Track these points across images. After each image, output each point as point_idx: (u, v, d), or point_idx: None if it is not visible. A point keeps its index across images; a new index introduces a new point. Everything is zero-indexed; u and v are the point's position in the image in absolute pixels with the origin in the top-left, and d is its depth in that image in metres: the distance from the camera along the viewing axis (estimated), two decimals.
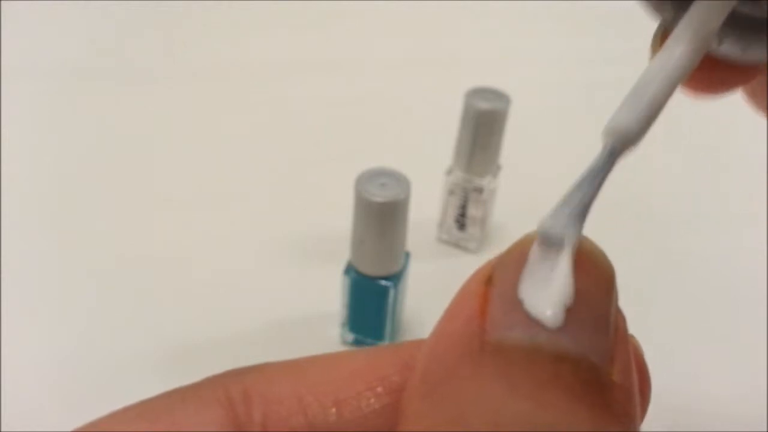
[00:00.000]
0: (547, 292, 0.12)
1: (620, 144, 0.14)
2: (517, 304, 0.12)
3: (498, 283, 0.13)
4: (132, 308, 0.38)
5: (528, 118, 0.46)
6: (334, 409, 0.14)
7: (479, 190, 0.40)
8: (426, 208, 0.42)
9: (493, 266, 0.13)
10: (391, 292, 0.34)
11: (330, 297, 0.36)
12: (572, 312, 0.12)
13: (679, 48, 0.15)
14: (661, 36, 0.18)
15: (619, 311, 0.13)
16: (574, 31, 0.66)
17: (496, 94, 0.38)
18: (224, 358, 0.35)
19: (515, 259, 0.13)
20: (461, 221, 0.42)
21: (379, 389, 0.14)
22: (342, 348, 0.37)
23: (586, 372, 0.12)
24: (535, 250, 0.13)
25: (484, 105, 0.37)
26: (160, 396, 0.14)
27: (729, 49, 0.17)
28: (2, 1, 0.60)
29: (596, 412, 0.11)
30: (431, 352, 0.13)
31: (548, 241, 0.13)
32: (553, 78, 0.59)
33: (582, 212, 0.13)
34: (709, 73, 0.16)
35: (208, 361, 0.36)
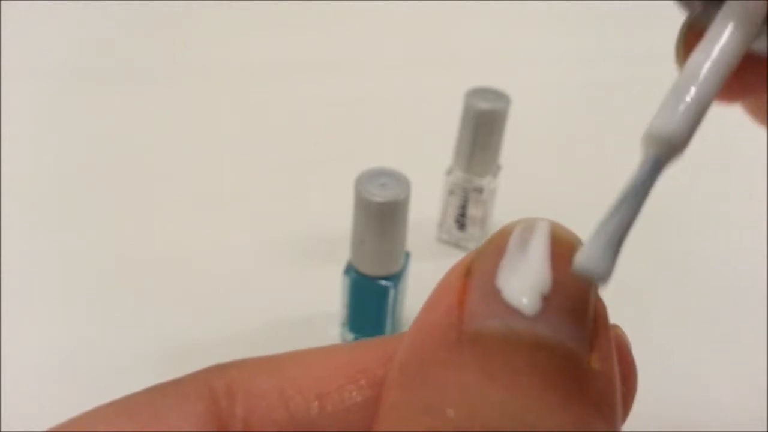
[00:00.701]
0: (523, 281, 0.12)
1: (666, 153, 0.12)
2: (494, 294, 0.12)
3: (476, 273, 0.13)
4: (132, 308, 0.38)
5: (528, 118, 0.46)
6: (316, 403, 0.14)
7: (479, 190, 0.40)
8: (426, 208, 0.42)
9: (471, 259, 0.13)
10: (391, 292, 0.34)
11: (330, 297, 0.36)
12: (549, 300, 0.12)
13: (725, 37, 0.13)
14: (687, 31, 0.17)
15: (599, 299, 0.13)
16: (574, 31, 0.66)
17: (496, 94, 0.38)
18: (224, 358, 0.35)
19: (493, 250, 0.13)
20: (461, 221, 0.42)
21: (362, 382, 0.14)
22: None
23: (563, 359, 0.12)
24: (512, 241, 0.13)
25: (484, 105, 0.37)
26: (141, 392, 0.14)
27: (763, 46, 0.15)
28: (2, 1, 0.60)
29: (572, 399, 0.11)
30: (409, 343, 0.13)
31: (586, 278, 0.12)
32: (553, 78, 0.59)
33: (620, 240, 0.12)
34: (742, 74, 0.15)
35: (208, 361, 0.35)
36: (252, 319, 0.38)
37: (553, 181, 0.49)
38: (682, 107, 0.13)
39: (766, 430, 0.34)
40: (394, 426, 0.12)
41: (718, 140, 0.53)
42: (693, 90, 0.13)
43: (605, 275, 0.12)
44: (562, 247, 0.13)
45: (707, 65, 0.13)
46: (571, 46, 0.64)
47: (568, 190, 0.48)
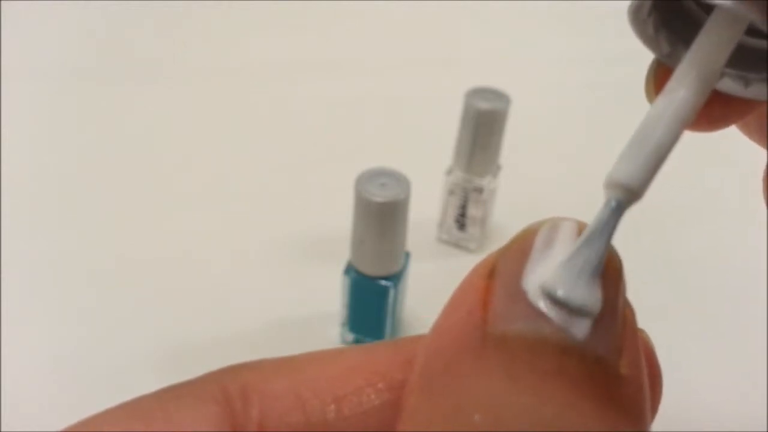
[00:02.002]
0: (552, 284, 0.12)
1: (626, 199, 0.13)
2: (521, 295, 0.12)
3: (501, 274, 0.13)
4: (132, 308, 0.38)
5: (528, 118, 0.46)
6: (333, 406, 0.14)
7: (479, 190, 0.40)
8: (426, 208, 0.42)
9: (495, 259, 0.13)
10: (391, 292, 0.34)
11: (330, 297, 0.36)
12: None
13: (683, 90, 0.14)
14: (656, 70, 0.17)
15: (627, 303, 0.13)
16: (574, 31, 0.66)
17: (496, 94, 0.38)
18: (224, 358, 0.35)
19: (518, 251, 0.13)
20: (461, 221, 0.42)
21: (380, 385, 0.14)
22: None
23: (593, 364, 0.11)
24: (538, 241, 0.13)
25: (484, 105, 0.37)
26: (154, 393, 0.14)
27: (730, 85, 0.16)
28: (2, 1, 0.60)
29: (602, 406, 0.11)
30: (431, 346, 0.13)
31: (567, 309, 0.12)
32: (553, 78, 0.59)
33: (595, 273, 0.13)
34: (708, 109, 0.15)
35: (208, 361, 0.35)
36: (252, 319, 0.38)
37: (553, 181, 0.49)
38: (641, 157, 0.13)
39: (766, 430, 0.34)
40: (416, 429, 0.12)
41: (719, 140, 0.53)
42: (652, 141, 0.13)
43: (594, 307, 0.12)
44: None
45: (665, 117, 0.14)
46: (571, 46, 0.64)
47: (568, 190, 0.48)
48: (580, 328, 0.12)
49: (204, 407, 0.13)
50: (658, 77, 0.17)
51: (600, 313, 0.12)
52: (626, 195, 0.13)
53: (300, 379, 0.14)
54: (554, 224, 0.13)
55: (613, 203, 0.13)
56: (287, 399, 0.14)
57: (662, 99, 0.14)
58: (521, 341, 0.12)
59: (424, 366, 0.13)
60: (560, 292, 0.12)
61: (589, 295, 0.12)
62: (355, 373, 0.14)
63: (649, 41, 0.17)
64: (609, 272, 0.13)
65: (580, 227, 0.13)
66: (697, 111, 0.14)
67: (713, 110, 0.16)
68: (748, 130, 0.19)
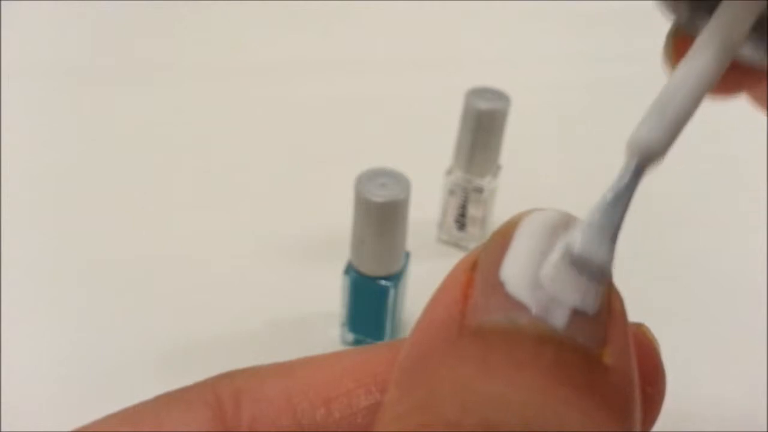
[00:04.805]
0: (530, 274, 0.12)
1: (646, 160, 0.13)
2: (498, 287, 0.12)
3: (480, 266, 0.13)
4: (131, 308, 0.38)
5: (528, 118, 0.46)
6: (323, 408, 0.14)
7: (479, 190, 0.40)
8: (426, 208, 0.42)
9: (478, 253, 0.13)
10: (391, 292, 0.34)
11: (330, 297, 0.36)
12: None
13: (706, 56, 0.14)
14: (674, 36, 0.17)
15: (615, 292, 0.13)
16: (574, 31, 0.66)
17: (496, 94, 0.38)
18: (224, 358, 0.35)
19: (498, 243, 0.13)
20: (461, 221, 0.42)
21: (370, 387, 0.14)
22: (342, 348, 0.37)
23: (570, 353, 0.11)
24: (517, 233, 0.13)
25: (484, 105, 0.37)
26: (147, 400, 0.14)
27: (751, 53, 0.16)
28: (2, 1, 0.60)
29: (579, 393, 0.11)
30: (410, 341, 0.13)
31: (587, 270, 0.12)
32: (553, 78, 0.59)
33: (613, 237, 0.13)
34: (726, 75, 0.15)
35: (208, 361, 0.36)
36: (252, 319, 0.38)
37: (553, 181, 0.49)
38: (662, 120, 0.14)
39: (766, 430, 0.34)
40: (388, 424, 0.11)
41: (719, 139, 0.53)
42: (674, 105, 0.14)
43: (605, 268, 0.12)
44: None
45: (688, 82, 0.14)
46: (571, 46, 0.64)
47: (568, 190, 0.48)
48: (559, 318, 0.12)
49: (194, 410, 0.14)
50: (676, 45, 0.17)
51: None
52: (647, 157, 0.13)
53: (292, 383, 0.14)
54: (534, 216, 0.13)
55: (634, 165, 0.13)
56: (278, 402, 0.14)
57: (684, 65, 0.14)
58: (497, 332, 0.11)
59: (402, 360, 0.13)
60: (577, 250, 0.12)
61: (607, 259, 0.12)
62: (346, 375, 0.14)
63: (669, 7, 0.17)
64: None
65: (562, 218, 0.13)
66: (719, 76, 0.14)
67: (729, 75, 0.16)
68: (761, 102, 0.19)
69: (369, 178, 0.31)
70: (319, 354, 0.15)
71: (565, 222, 0.13)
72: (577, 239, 0.12)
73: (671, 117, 0.14)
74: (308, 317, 0.38)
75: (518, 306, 0.12)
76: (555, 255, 0.12)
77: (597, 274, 0.12)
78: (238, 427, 0.14)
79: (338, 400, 0.14)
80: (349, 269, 0.34)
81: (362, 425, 0.14)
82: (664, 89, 0.14)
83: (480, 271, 0.12)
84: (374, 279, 0.33)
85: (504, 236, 0.13)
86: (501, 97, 0.38)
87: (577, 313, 0.12)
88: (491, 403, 0.11)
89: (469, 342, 0.11)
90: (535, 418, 0.10)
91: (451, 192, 0.41)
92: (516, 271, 0.12)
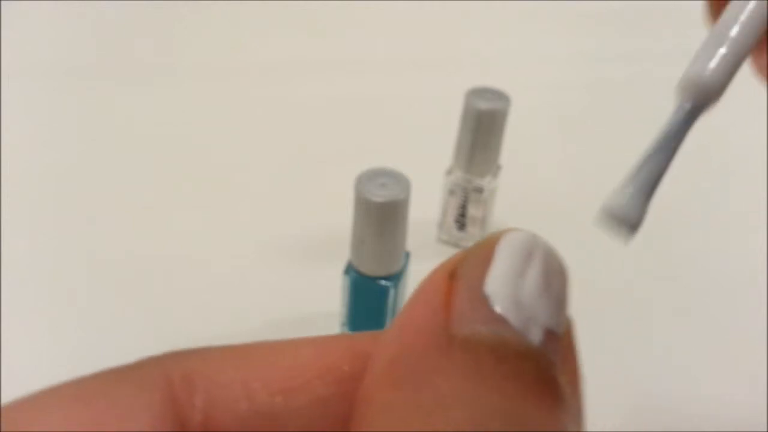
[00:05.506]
0: (511, 292, 0.13)
1: (702, 98, 0.12)
2: (483, 301, 0.13)
3: (465, 278, 0.13)
4: (132, 308, 0.38)
5: (528, 118, 0.46)
6: (280, 396, 0.14)
7: (479, 190, 0.40)
8: (426, 208, 0.42)
9: (456, 261, 0.14)
10: (391, 292, 0.34)
11: (330, 297, 0.36)
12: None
13: None
14: None
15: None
16: (574, 31, 0.66)
17: (496, 94, 0.38)
18: None
19: (483, 256, 0.13)
20: (461, 221, 0.42)
21: (329, 378, 0.14)
22: None
23: (545, 370, 0.12)
24: (498, 250, 0.13)
25: (484, 105, 0.37)
26: (95, 375, 0.14)
27: None
28: (2, 1, 0.60)
29: (552, 404, 0.12)
30: (397, 341, 0.13)
31: (615, 222, 0.12)
32: (553, 78, 0.59)
33: (650, 188, 0.12)
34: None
35: None
36: (252, 319, 0.38)
37: (553, 181, 0.49)
38: (718, 55, 0.12)
39: (766, 430, 0.34)
40: (391, 425, 0.12)
41: (719, 140, 0.53)
42: (731, 36, 0.12)
43: (636, 223, 0.12)
44: (549, 260, 0.13)
45: (743, 15, 0.13)
46: (571, 46, 0.64)
47: (568, 190, 0.48)
48: (536, 335, 0.12)
49: (146, 394, 0.13)
50: (714, 3, 0.17)
51: (551, 321, 0.13)
52: (702, 96, 0.12)
53: (249, 369, 0.14)
54: (513, 235, 0.14)
55: (688, 105, 0.12)
56: (234, 388, 0.14)
57: (734, 4, 0.13)
58: (485, 345, 0.12)
59: (392, 360, 0.13)
60: (606, 203, 0.12)
61: (637, 215, 0.12)
62: (305, 364, 0.14)
63: None
64: (554, 284, 0.13)
65: (535, 240, 0.13)
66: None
67: None
68: (760, 67, 0.19)
69: (369, 178, 0.31)
70: (272, 340, 0.15)
71: (536, 244, 0.13)
72: (613, 198, 0.12)
73: (729, 49, 0.12)
74: (308, 317, 0.38)
75: (502, 321, 0.12)
76: (531, 275, 0.13)
77: (625, 229, 0.12)
78: (191, 410, 0.14)
79: (296, 390, 0.14)
80: (349, 269, 0.34)
81: (317, 416, 0.14)
82: (715, 27, 0.13)
83: (464, 283, 0.13)
84: (374, 279, 0.33)
85: (486, 251, 0.13)
86: (501, 97, 0.38)
87: (549, 333, 0.13)
88: (491, 411, 0.12)
89: (459, 352, 0.12)
90: (524, 424, 0.12)
91: (451, 192, 0.41)
92: (498, 289, 0.13)
